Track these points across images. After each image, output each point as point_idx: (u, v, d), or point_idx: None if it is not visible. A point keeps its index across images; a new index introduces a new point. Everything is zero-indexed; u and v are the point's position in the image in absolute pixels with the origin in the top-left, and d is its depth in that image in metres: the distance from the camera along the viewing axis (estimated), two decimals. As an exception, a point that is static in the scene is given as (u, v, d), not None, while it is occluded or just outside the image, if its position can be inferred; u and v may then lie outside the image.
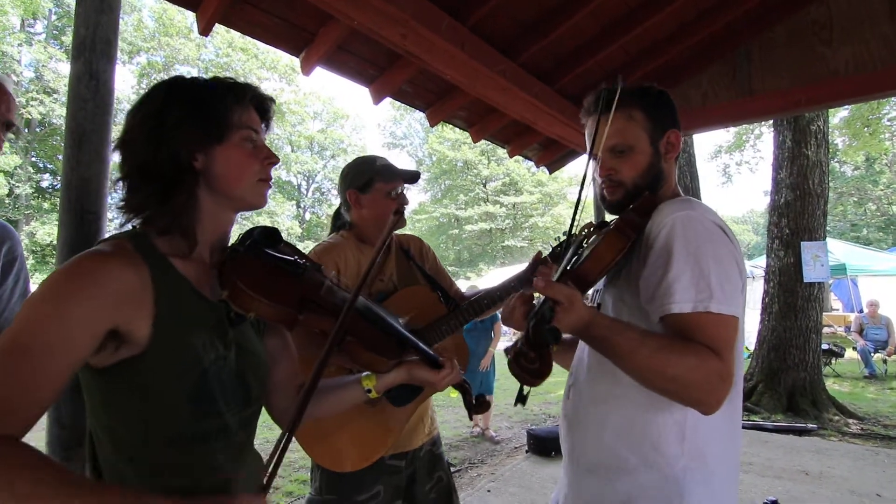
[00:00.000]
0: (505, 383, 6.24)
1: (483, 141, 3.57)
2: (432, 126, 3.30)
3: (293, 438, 0.76)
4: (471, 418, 1.33)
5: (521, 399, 0.95)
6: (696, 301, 0.91)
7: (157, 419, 0.79)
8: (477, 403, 1.21)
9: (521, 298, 0.99)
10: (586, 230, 1.20)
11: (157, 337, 0.77)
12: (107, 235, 1.19)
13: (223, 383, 0.84)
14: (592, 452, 1.07)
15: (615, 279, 1.14)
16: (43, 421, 1.15)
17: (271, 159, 0.92)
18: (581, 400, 1.13)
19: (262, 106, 0.94)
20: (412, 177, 1.76)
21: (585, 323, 0.91)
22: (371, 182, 1.69)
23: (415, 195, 36.41)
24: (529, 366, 0.83)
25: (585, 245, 1.15)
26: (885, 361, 8.53)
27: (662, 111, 1.13)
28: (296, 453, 4.35)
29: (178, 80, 0.88)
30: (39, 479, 0.62)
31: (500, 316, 5.84)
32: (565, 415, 1.18)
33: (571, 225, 1.06)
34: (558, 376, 1.17)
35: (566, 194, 31.65)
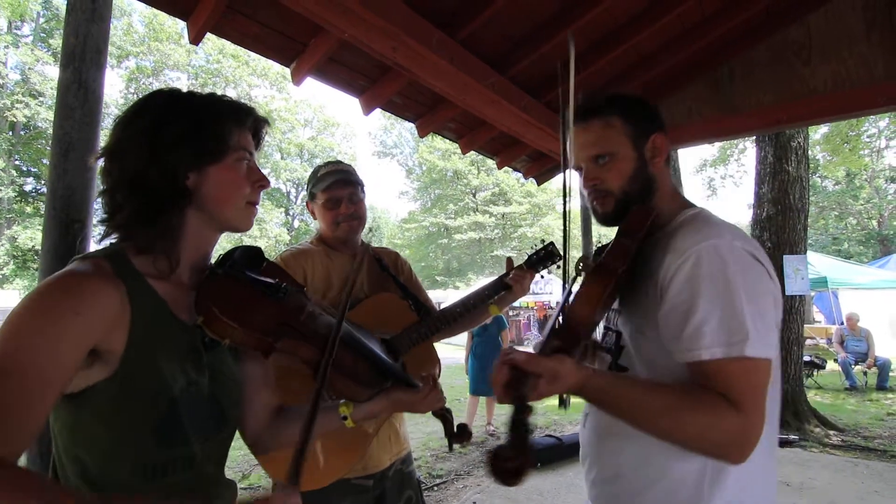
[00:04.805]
0: None
1: (473, 151, 3.61)
2: (422, 137, 3.33)
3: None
4: (451, 448, 1.25)
5: (563, 402, 0.93)
6: (728, 345, 0.82)
7: (120, 447, 0.77)
8: (458, 432, 1.18)
9: (503, 367, 0.85)
10: (581, 264, 1.12)
11: (128, 360, 0.74)
12: (92, 244, 1.18)
13: (193, 410, 0.81)
14: (614, 483, 1.04)
15: (631, 309, 1.05)
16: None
17: (262, 182, 0.91)
18: (596, 431, 1.09)
19: (257, 128, 0.93)
20: (345, 181, 1.65)
21: (576, 389, 0.85)
22: (313, 193, 1.69)
23: (404, 204, 36.42)
24: (503, 465, 0.73)
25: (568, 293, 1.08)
26: (865, 373, 8.67)
27: (642, 115, 1.08)
28: (265, 479, 4.29)
29: (176, 94, 0.86)
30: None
31: (506, 323, 5.99)
32: (583, 444, 1.16)
33: (565, 267, 1.05)
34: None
35: (555, 205, 31.89)
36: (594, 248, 1.14)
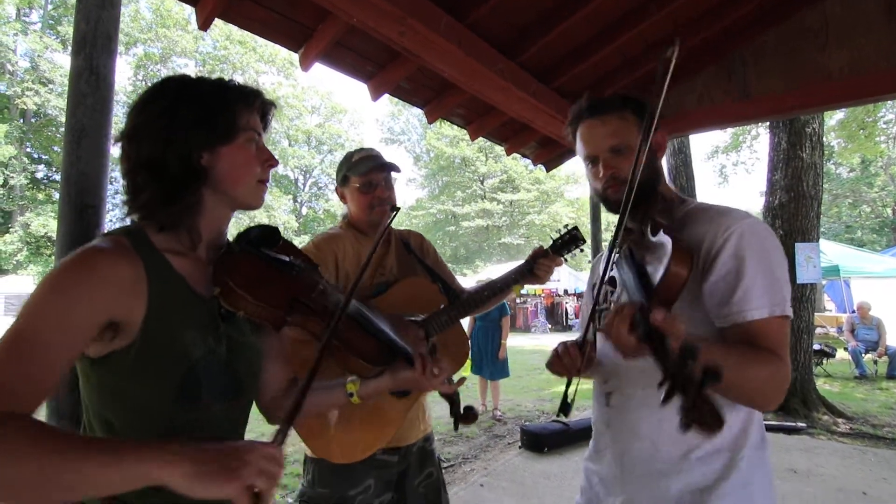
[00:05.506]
0: (512, 368, 6.66)
1: (481, 138, 3.59)
2: (430, 123, 3.32)
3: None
4: (456, 428, 1.25)
5: (565, 408, 0.96)
6: (772, 305, 0.96)
7: (146, 407, 0.82)
8: (464, 414, 1.21)
9: (624, 319, 0.84)
10: (619, 242, 1.14)
11: (148, 329, 0.79)
12: (106, 229, 1.20)
13: (212, 376, 0.87)
14: (650, 459, 1.08)
15: None
16: (43, 412, 1.17)
17: (271, 161, 0.95)
18: (629, 407, 1.13)
19: (264, 110, 0.97)
20: (383, 166, 1.70)
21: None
22: (346, 177, 1.72)
23: (412, 191, 36.41)
24: (709, 417, 0.71)
25: (638, 260, 1.08)
26: (875, 362, 8.61)
27: (647, 112, 1.17)
28: (291, 447, 4.37)
29: (187, 80, 0.91)
30: (39, 441, 0.63)
31: (508, 309, 6.15)
32: (608, 422, 1.19)
33: (614, 238, 1.07)
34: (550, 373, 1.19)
35: (563, 192, 31.71)
36: (604, 233, 1.16)
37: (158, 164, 0.84)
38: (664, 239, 0.96)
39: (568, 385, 1.07)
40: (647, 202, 1.11)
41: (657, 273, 0.93)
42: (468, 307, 1.72)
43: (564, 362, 1.13)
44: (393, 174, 1.75)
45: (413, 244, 1.84)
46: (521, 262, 1.78)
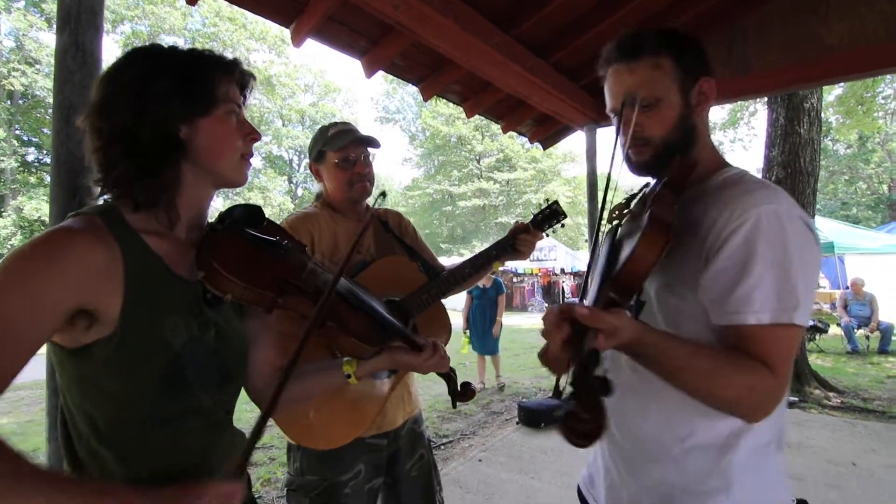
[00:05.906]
0: (510, 346, 6.84)
1: (477, 116, 3.54)
2: (426, 101, 3.27)
3: (271, 419, 0.73)
4: (454, 406, 1.26)
5: (558, 394, 0.90)
6: (778, 311, 0.82)
7: (130, 400, 0.78)
8: (462, 391, 1.20)
9: (562, 323, 0.78)
10: (616, 212, 1.05)
11: (127, 317, 0.75)
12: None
13: (198, 364, 0.82)
14: (633, 443, 1.01)
15: (661, 263, 1.00)
16: (43, 395, 1.16)
17: (253, 135, 0.90)
18: (619, 389, 1.04)
19: (244, 82, 0.92)
20: (361, 140, 1.62)
21: (629, 343, 0.80)
22: (322, 153, 1.65)
23: (408, 171, 36.08)
24: (577, 427, 0.69)
25: (619, 235, 0.97)
26: (867, 337, 8.73)
27: (693, 57, 0.98)
28: (277, 439, 4.41)
29: (159, 49, 0.84)
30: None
31: (503, 288, 6.25)
32: None
33: (601, 212, 0.96)
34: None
35: (560, 171, 31.55)
36: (605, 209, 0.99)
37: (131, 135, 0.78)
38: (645, 216, 0.84)
39: (559, 378, 1.04)
40: (672, 167, 0.94)
41: (624, 256, 0.82)
42: (448, 285, 1.66)
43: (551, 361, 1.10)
44: (371, 150, 1.67)
45: (391, 222, 1.78)
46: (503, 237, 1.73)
